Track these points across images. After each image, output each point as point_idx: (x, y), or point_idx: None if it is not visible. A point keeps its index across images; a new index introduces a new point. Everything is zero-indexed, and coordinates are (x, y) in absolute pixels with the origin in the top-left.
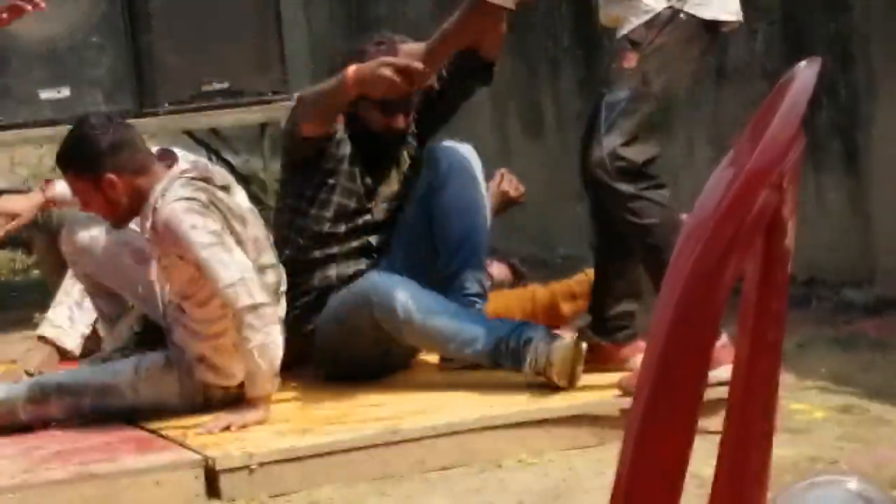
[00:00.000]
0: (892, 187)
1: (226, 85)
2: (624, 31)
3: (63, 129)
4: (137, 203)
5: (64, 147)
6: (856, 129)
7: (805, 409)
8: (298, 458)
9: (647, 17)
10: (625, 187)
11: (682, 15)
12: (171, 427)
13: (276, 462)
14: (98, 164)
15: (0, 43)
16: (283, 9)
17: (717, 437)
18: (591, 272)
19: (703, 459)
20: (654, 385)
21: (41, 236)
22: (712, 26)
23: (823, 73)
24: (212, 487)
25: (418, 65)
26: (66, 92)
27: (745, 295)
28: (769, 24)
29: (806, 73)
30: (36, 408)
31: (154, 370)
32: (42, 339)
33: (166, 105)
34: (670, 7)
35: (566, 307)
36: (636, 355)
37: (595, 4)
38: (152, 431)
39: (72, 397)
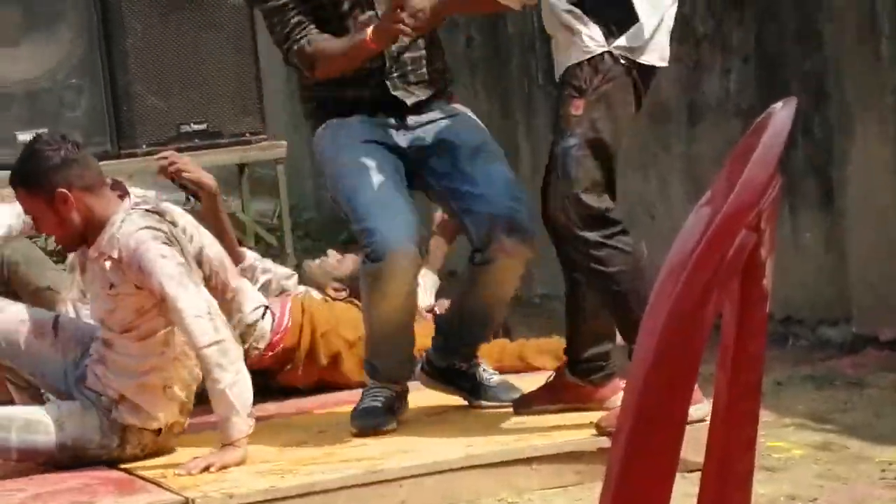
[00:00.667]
0: (868, 225)
1: (204, 126)
2: (563, 66)
3: None
4: (90, 225)
5: (16, 164)
6: (831, 167)
7: (783, 446)
8: (278, 499)
9: (585, 57)
10: (589, 234)
11: (621, 60)
12: (149, 468)
13: (257, 503)
14: (50, 178)
15: None
16: (261, 51)
17: (698, 475)
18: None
19: (682, 499)
20: (635, 425)
21: None
22: (648, 71)
23: (798, 110)
24: None
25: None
26: (61, 133)
27: (724, 335)
28: (742, 62)
29: (782, 113)
30: None
31: (75, 408)
32: None
33: (144, 146)
34: (609, 52)
35: (537, 361)
36: (615, 395)
37: None
38: (131, 473)
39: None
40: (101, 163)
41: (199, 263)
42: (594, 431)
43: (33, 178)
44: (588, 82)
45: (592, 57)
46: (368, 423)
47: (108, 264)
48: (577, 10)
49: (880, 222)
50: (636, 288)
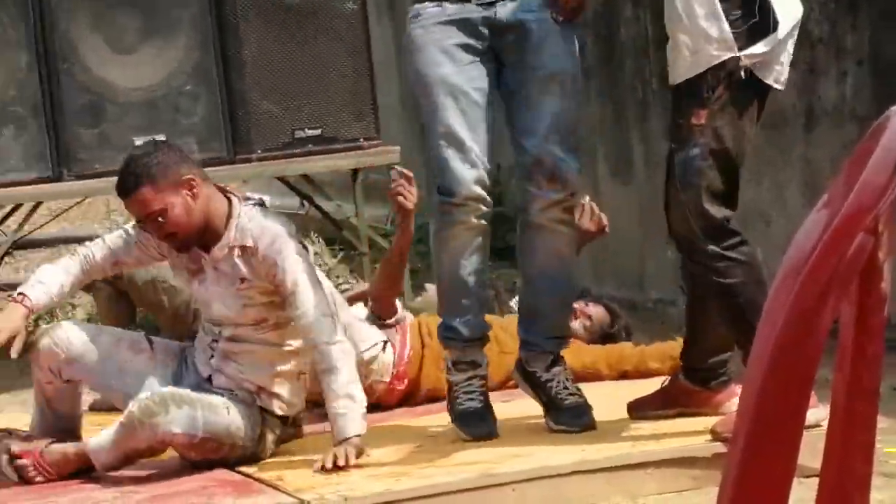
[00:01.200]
0: None
1: (318, 132)
2: (684, 72)
3: None
4: (210, 220)
5: (130, 170)
6: None
7: None
8: (394, 502)
9: (712, 63)
10: (710, 247)
11: (742, 72)
12: (266, 470)
13: None
14: (178, 167)
15: (98, 91)
16: (375, 56)
17: (814, 481)
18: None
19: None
20: (751, 429)
21: (105, 288)
22: (764, 92)
23: None
24: None
25: None
26: (161, 138)
27: (842, 338)
28: (857, 65)
29: None
30: (155, 422)
31: (226, 398)
32: None
33: (259, 151)
34: (737, 58)
35: (655, 366)
36: (730, 400)
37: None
38: (247, 475)
39: (189, 407)
40: (216, 168)
41: None
42: (710, 437)
43: (161, 171)
44: (712, 91)
45: (719, 63)
46: (481, 430)
47: (239, 257)
48: (717, 6)
49: None
50: (755, 299)
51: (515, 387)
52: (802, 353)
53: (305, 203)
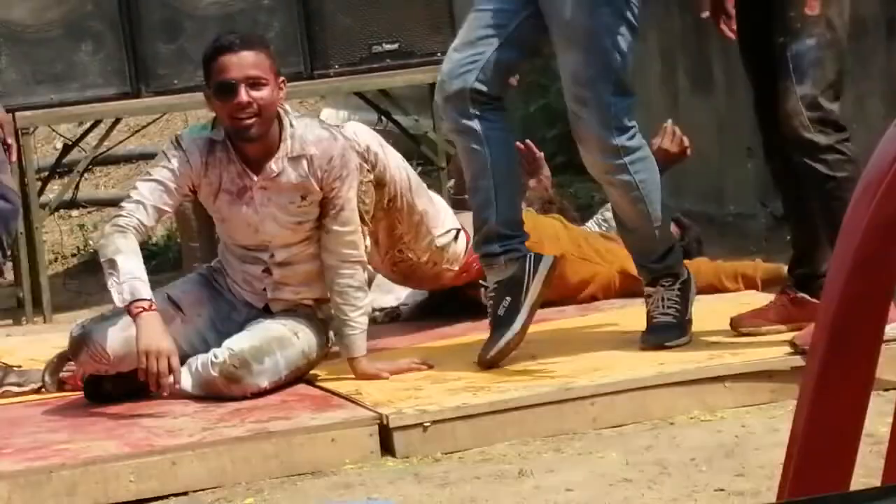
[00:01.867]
0: None
1: (395, 46)
2: None
3: None
4: (272, 127)
5: (250, 34)
6: None
7: None
8: (471, 416)
9: None
10: (822, 139)
11: None
12: (344, 385)
13: (450, 420)
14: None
15: (175, 7)
16: None
17: (894, 394)
18: (760, 263)
19: (878, 417)
20: (830, 342)
21: None
22: None
23: None
24: (385, 445)
25: None
26: None
27: None
28: None
29: None
30: (243, 384)
31: (288, 321)
32: None
33: (337, 67)
34: None
35: (730, 285)
36: None
37: None
38: (326, 390)
39: (268, 357)
40: (294, 83)
41: (383, 184)
42: (789, 349)
43: (273, 53)
44: None
45: None
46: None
47: (298, 169)
48: None
49: None
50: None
51: (593, 299)
52: (882, 266)
53: (383, 118)
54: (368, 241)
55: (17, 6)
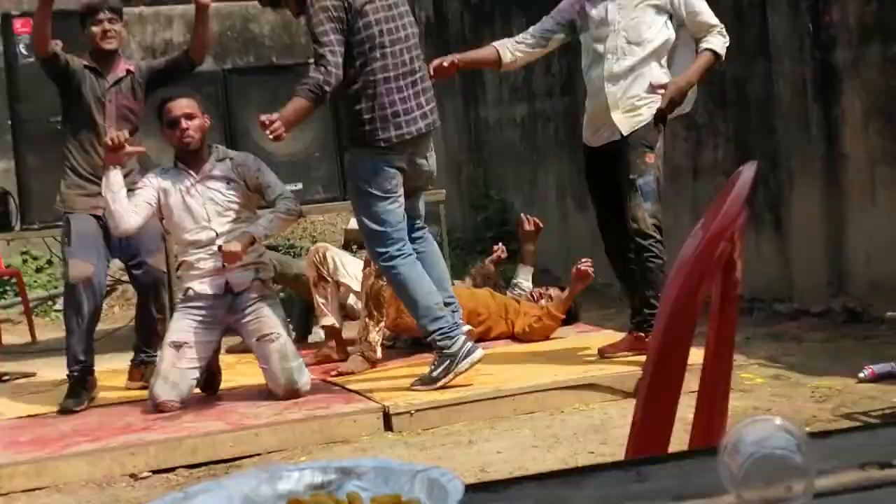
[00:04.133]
0: (802, 242)
1: None
2: (636, 126)
3: (304, 208)
4: (203, 143)
5: (182, 94)
6: (780, 206)
7: (750, 377)
8: (440, 407)
9: (644, 124)
10: (657, 235)
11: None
12: (361, 386)
13: (427, 409)
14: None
15: (263, 157)
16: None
17: (695, 394)
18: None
19: (686, 408)
20: (656, 362)
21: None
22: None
23: (760, 171)
24: (387, 424)
25: None
26: (299, 185)
27: (712, 306)
28: (726, 141)
29: (747, 171)
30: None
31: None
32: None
33: None
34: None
35: (517, 324)
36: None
37: None
38: (350, 390)
39: (299, 359)
40: (333, 203)
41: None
42: (635, 368)
43: (200, 100)
44: (654, 141)
45: (655, 122)
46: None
47: (225, 167)
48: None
49: (811, 241)
50: (664, 273)
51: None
52: (687, 316)
53: None
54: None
55: None
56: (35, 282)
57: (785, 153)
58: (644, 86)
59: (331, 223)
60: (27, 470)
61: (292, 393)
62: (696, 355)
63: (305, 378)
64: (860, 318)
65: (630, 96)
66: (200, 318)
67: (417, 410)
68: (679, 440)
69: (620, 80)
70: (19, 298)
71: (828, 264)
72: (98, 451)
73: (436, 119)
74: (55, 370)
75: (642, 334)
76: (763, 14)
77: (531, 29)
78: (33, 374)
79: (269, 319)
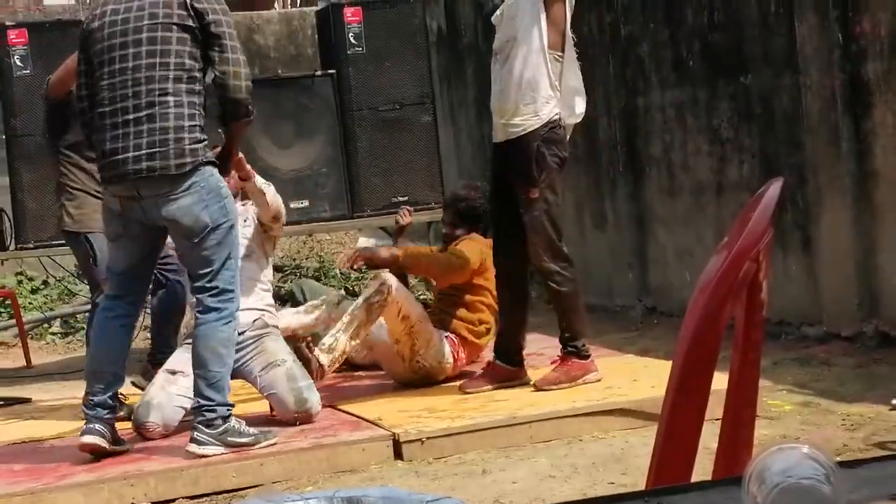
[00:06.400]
0: (832, 263)
1: (406, 198)
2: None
3: (306, 227)
4: None
5: None
6: (808, 225)
7: (778, 404)
8: (452, 434)
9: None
10: (553, 266)
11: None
12: (369, 413)
13: (438, 437)
14: None
15: (268, 173)
16: (441, 150)
17: (719, 421)
18: None
19: (709, 437)
20: (678, 387)
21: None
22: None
23: (787, 188)
24: (397, 452)
25: None
26: (305, 203)
27: (736, 328)
28: (752, 157)
29: (773, 187)
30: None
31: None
32: None
33: (369, 210)
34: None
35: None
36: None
37: None
38: (358, 417)
39: (309, 380)
40: (340, 221)
41: (405, 315)
42: (657, 394)
43: None
44: (536, 178)
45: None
46: None
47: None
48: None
49: (841, 261)
50: (577, 299)
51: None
52: (711, 340)
53: (395, 242)
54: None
55: None
56: (30, 303)
57: (813, 169)
58: None
59: (338, 242)
60: (22, 502)
61: (303, 415)
62: (721, 380)
63: (316, 398)
64: (893, 343)
65: None
66: None
67: (429, 438)
68: (702, 469)
69: None
70: (13, 321)
71: (859, 286)
72: (95, 482)
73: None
74: (50, 395)
75: (516, 367)
76: (790, 25)
77: None
78: (28, 400)
79: (272, 349)
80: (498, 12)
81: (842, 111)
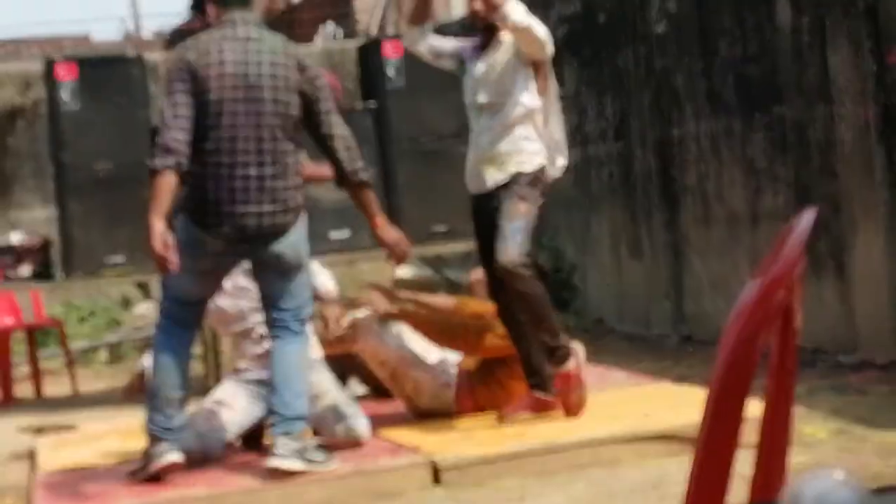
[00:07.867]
0: (867, 291)
1: (444, 228)
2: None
3: (346, 257)
4: None
5: None
6: (843, 253)
7: (813, 431)
8: (490, 462)
9: (530, 171)
10: (523, 272)
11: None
12: (409, 440)
13: (476, 464)
14: None
15: (309, 203)
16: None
17: (754, 449)
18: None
19: (744, 464)
20: (713, 414)
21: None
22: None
23: (820, 217)
24: (436, 478)
25: None
26: (346, 233)
27: (771, 356)
28: (786, 187)
29: (806, 217)
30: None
31: None
32: None
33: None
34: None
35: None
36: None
37: None
38: (398, 443)
39: (348, 408)
40: (379, 251)
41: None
42: (694, 421)
43: None
44: (527, 194)
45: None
46: None
47: None
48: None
49: (876, 289)
50: (543, 302)
51: None
52: (745, 367)
53: (434, 270)
54: None
55: None
56: (77, 332)
57: (847, 198)
58: None
59: (379, 270)
60: None
61: (353, 441)
62: (756, 407)
63: (363, 423)
64: None
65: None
66: (250, 390)
67: (468, 465)
68: (737, 496)
69: None
70: (61, 349)
71: (893, 314)
72: None
73: None
74: (96, 423)
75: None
76: (823, 55)
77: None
78: (73, 427)
79: (314, 381)
80: (484, 68)
81: (875, 141)
